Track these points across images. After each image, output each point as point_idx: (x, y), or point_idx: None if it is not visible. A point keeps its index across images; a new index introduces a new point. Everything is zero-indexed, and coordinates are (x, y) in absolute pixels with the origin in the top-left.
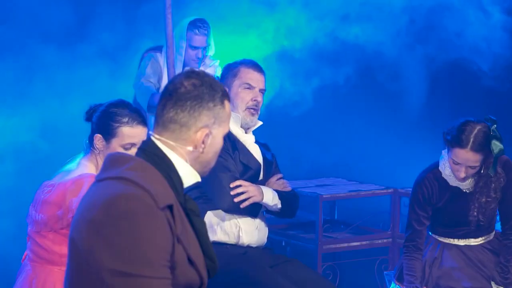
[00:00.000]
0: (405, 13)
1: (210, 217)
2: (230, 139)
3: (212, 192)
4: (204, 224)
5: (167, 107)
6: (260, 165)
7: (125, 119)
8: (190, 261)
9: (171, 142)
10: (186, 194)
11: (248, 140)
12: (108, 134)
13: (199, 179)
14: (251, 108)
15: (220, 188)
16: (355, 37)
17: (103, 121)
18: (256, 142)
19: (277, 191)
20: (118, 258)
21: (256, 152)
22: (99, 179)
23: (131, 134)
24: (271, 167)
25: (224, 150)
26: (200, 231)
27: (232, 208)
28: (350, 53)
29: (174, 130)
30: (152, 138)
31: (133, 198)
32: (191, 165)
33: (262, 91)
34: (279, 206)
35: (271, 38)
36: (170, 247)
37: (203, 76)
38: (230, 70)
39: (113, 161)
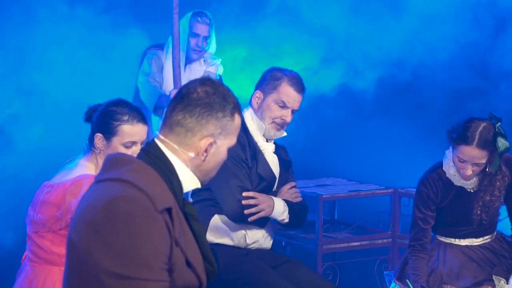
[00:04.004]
0: None
1: (217, 221)
2: (250, 148)
3: (221, 199)
4: (202, 228)
5: (177, 109)
6: (275, 177)
7: (125, 117)
8: (188, 264)
9: (175, 146)
10: (184, 198)
11: (268, 149)
12: (109, 133)
13: (199, 186)
14: (278, 124)
15: (229, 197)
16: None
17: (103, 120)
18: (275, 145)
19: (287, 201)
20: (116, 260)
21: (273, 163)
22: (98, 180)
23: (132, 132)
24: (286, 177)
25: (241, 159)
26: (198, 234)
27: (239, 218)
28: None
29: (179, 134)
30: (156, 140)
31: (132, 200)
32: (192, 171)
33: (295, 111)
34: (286, 220)
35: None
36: (168, 249)
37: (218, 85)
38: (273, 79)
39: (112, 162)
